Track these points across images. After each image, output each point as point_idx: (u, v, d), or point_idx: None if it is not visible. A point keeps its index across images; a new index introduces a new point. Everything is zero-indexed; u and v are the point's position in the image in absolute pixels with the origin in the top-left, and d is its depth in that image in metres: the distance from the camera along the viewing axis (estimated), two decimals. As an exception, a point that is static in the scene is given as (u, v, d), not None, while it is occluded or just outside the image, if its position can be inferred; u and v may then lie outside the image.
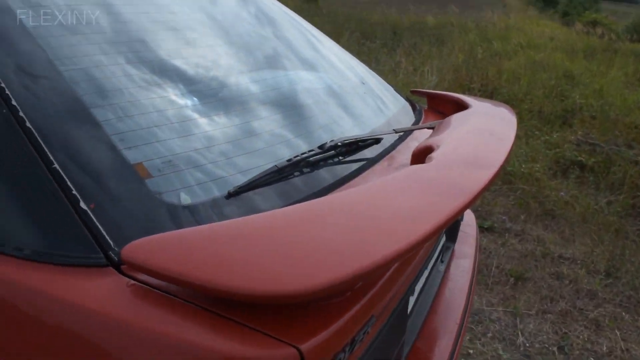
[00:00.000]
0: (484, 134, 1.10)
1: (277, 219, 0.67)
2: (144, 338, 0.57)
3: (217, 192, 0.77)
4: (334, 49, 1.69)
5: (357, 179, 0.97)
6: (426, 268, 1.14)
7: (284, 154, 0.93)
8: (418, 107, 1.67)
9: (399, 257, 0.61)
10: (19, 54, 0.78)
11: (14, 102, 0.70)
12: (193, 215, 0.72)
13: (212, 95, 1.03)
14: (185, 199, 0.74)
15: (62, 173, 0.66)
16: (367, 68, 1.74)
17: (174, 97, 0.93)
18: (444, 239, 1.39)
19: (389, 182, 0.84)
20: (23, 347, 0.64)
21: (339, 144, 1.00)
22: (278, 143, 0.99)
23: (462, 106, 1.46)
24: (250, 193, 0.80)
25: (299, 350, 0.55)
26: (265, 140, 0.97)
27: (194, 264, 0.56)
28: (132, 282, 0.61)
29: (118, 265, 0.63)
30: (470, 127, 1.13)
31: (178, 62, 1.05)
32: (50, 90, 0.76)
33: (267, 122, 1.04)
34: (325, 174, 0.94)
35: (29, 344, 0.64)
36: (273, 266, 0.57)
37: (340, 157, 1.01)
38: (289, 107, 1.16)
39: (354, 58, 1.76)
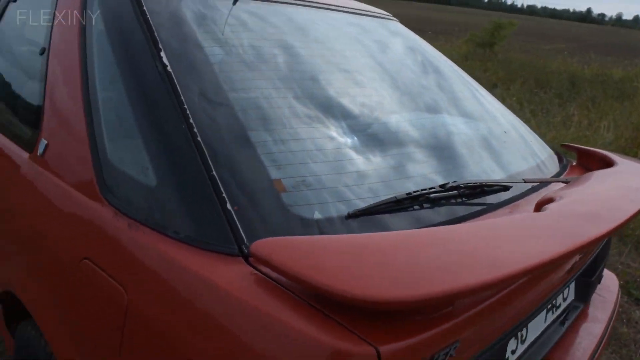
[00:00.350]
0: (617, 191, 1.08)
1: (390, 238, 0.77)
2: (256, 318, 0.70)
3: (337, 212, 0.89)
4: (488, 97, 1.74)
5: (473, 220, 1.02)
6: (536, 316, 1.13)
7: (410, 187, 1.02)
8: (565, 161, 1.64)
9: (491, 286, 0.67)
10: (202, 82, 0.99)
11: (191, 121, 0.90)
12: (314, 227, 0.84)
13: (357, 129, 1.17)
14: (311, 213, 0.87)
15: (217, 179, 0.84)
16: (517, 119, 1.75)
17: (319, 127, 1.08)
18: (569, 296, 1.34)
19: (500, 222, 0.88)
20: (165, 298, 0.81)
21: (462, 185, 1.06)
22: (407, 177, 1.08)
23: (610, 165, 1.42)
24: (367, 217, 0.90)
25: (377, 350, 0.64)
26: (395, 172, 1.07)
27: (309, 266, 0.68)
28: (255, 272, 0.75)
29: (247, 256, 0.77)
30: (605, 185, 1.11)
31: (333, 98, 1.20)
32: (220, 113, 0.95)
33: (402, 157, 1.14)
34: (442, 212, 1.01)
35: (168, 296, 0.81)
36: (376, 274, 0.66)
37: (463, 199, 1.07)
38: (429, 146, 1.25)
39: (507, 109, 1.78)
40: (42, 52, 1.31)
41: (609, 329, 1.47)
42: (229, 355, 0.72)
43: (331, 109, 1.16)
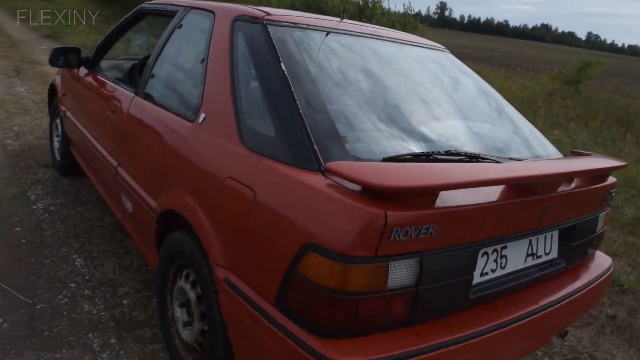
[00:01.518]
0: (565, 164, 1.64)
1: (404, 164, 1.39)
2: (326, 199, 1.33)
3: (375, 157, 1.51)
4: (511, 110, 2.32)
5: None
6: (516, 255, 1.67)
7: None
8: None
9: (450, 186, 1.27)
10: (304, 81, 1.65)
11: (297, 102, 1.55)
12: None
13: (399, 120, 1.79)
14: (358, 155, 1.49)
15: (311, 135, 1.47)
16: (533, 127, 2.30)
17: (372, 115, 1.71)
18: (551, 252, 1.84)
19: (474, 165, 1.48)
20: (275, 193, 1.46)
21: (463, 153, 1.65)
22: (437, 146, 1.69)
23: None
24: (393, 162, 1.51)
25: (385, 213, 1.24)
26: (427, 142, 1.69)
27: (352, 171, 1.29)
28: (326, 179, 1.39)
29: (323, 171, 1.41)
30: (562, 163, 1.67)
31: (389, 99, 1.85)
32: (314, 100, 1.60)
33: (440, 136, 1.76)
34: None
35: (278, 192, 1.45)
36: (391, 175, 1.28)
37: (463, 161, 1.65)
38: (465, 136, 1.87)
39: (523, 118, 2.34)
40: (202, 61, 2.04)
41: (583, 294, 1.92)
42: (310, 218, 1.34)
43: (385, 106, 1.79)
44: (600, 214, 2.06)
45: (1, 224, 3.19)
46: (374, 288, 1.29)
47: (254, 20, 1.93)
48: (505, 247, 1.65)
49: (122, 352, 2.16)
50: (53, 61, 3.26)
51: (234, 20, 2.00)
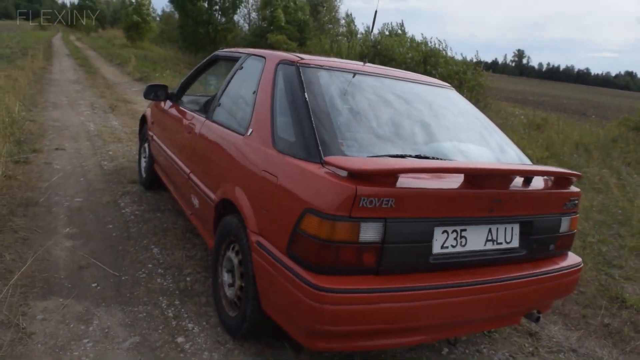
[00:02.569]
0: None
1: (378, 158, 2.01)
2: (321, 180, 1.96)
3: (362, 155, 2.14)
4: (498, 134, 2.88)
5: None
6: (477, 237, 2.21)
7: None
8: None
9: (413, 170, 1.89)
10: (320, 105, 2.33)
11: (312, 119, 2.22)
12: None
13: (388, 136, 2.41)
14: (351, 153, 2.13)
15: (319, 141, 2.13)
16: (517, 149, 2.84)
17: (366, 130, 2.35)
18: (512, 241, 2.35)
19: (439, 161, 2.09)
20: (292, 178, 2.11)
21: (430, 157, 2.25)
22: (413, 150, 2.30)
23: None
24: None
25: (356, 188, 1.86)
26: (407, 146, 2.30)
27: (340, 163, 1.93)
28: (325, 168, 2.03)
29: (322, 163, 2.05)
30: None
31: (386, 122, 2.48)
32: (324, 119, 2.26)
33: (417, 144, 2.36)
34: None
35: (293, 177, 2.11)
36: (363, 163, 1.91)
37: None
38: (440, 147, 2.47)
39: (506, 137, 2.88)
40: (254, 92, 2.77)
41: (544, 281, 2.40)
42: (310, 191, 1.98)
43: (378, 123, 2.44)
44: (563, 217, 2.54)
45: (98, 222, 4.04)
46: (350, 239, 1.90)
47: (291, 63, 2.64)
48: (465, 230, 2.20)
49: (182, 310, 2.85)
50: (146, 95, 4.15)
51: (277, 63, 2.73)
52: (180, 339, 2.57)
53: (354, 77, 2.70)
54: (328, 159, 1.99)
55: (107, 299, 2.89)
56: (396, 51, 16.02)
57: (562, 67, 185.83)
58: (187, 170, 3.38)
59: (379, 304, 1.94)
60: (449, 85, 3.25)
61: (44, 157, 5.76)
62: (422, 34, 37.35)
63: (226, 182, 2.69)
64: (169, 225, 4.11)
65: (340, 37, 22.10)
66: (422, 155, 2.27)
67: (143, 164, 5.01)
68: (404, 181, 1.98)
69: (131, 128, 7.81)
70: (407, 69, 12.96)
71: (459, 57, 15.15)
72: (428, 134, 2.61)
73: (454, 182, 2.14)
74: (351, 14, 20.28)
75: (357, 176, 1.91)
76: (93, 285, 3.04)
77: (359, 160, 2.01)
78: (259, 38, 22.05)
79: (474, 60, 15.16)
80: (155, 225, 4.08)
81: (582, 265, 2.71)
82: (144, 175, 4.96)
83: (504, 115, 14.14)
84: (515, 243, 2.40)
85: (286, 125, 2.38)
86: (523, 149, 8.92)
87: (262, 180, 2.31)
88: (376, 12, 3.12)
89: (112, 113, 9.12)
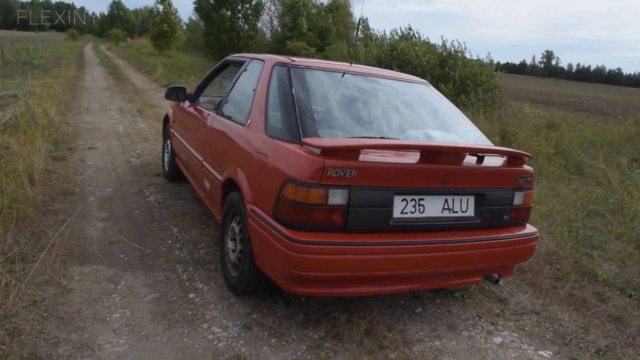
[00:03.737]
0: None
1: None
2: (299, 157, 2.44)
3: (343, 136, 2.62)
4: (464, 122, 3.32)
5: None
6: (434, 206, 2.66)
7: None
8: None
9: (373, 147, 2.37)
10: (304, 97, 2.82)
11: (296, 110, 2.72)
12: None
13: (363, 122, 2.89)
14: (328, 136, 2.61)
15: (300, 126, 2.62)
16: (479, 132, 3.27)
17: (345, 116, 2.83)
18: (467, 210, 2.78)
19: (385, 140, 2.55)
20: (278, 157, 2.60)
21: (392, 139, 2.71)
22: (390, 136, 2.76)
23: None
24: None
25: (324, 162, 2.34)
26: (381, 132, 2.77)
27: (314, 143, 2.41)
28: (303, 147, 2.50)
29: (301, 144, 2.53)
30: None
31: (362, 112, 2.96)
32: (306, 108, 2.75)
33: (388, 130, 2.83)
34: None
35: (278, 156, 2.60)
36: (333, 143, 2.39)
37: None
38: (407, 132, 2.92)
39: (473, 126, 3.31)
40: (253, 90, 3.28)
41: (496, 245, 2.83)
42: (290, 166, 2.47)
43: (353, 112, 2.91)
44: (516, 192, 2.96)
45: (126, 208, 4.61)
46: (321, 202, 2.38)
47: (283, 64, 3.14)
48: (422, 199, 2.65)
49: (195, 275, 3.36)
50: (167, 96, 4.72)
51: (273, 65, 3.23)
52: (191, 295, 3.08)
53: (342, 76, 3.19)
54: (306, 140, 2.48)
55: (132, 266, 3.43)
56: (412, 54, 16.38)
57: (593, 67, 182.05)
58: (201, 159, 3.91)
59: (345, 255, 2.41)
60: (426, 82, 3.70)
61: (78, 154, 6.40)
62: (441, 37, 37.45)
63: (230, 165, 3.20)
64: (187, 210, 4.65)
65: (358, 42, 22.54)
66: (385, 137, 2.74)
67: (166, 159, 5.58)
68: (366, 157, 2.45)
69: (157, 129, 8.43)
70: (423, 71, 13.35)
71: (484, 60, 15.35)
72: (400, 123, 3.07)
73: (411, 158, 2.60)
74: (366, 19, 20.67)
75: (326, 152, 2.39)
76: (121, 256, 3.58)
77: (329, 139, 2.50)
78: (280, 44, 22.70)
79: (486, 61, 15.36)
80: (176, 210, 4.62)
81: (537, 234, 3.12)
82: (166, 168, 5.53)
83: (518, 116, 14.35)
84: (470, 212, 2.83)
85: (276, 115, 2.87)
86: (531, 147, 9.14)
87: (256, 160, 2.81)
88: (360, 19, 3.63)
89: (140, 116, 9.79)
